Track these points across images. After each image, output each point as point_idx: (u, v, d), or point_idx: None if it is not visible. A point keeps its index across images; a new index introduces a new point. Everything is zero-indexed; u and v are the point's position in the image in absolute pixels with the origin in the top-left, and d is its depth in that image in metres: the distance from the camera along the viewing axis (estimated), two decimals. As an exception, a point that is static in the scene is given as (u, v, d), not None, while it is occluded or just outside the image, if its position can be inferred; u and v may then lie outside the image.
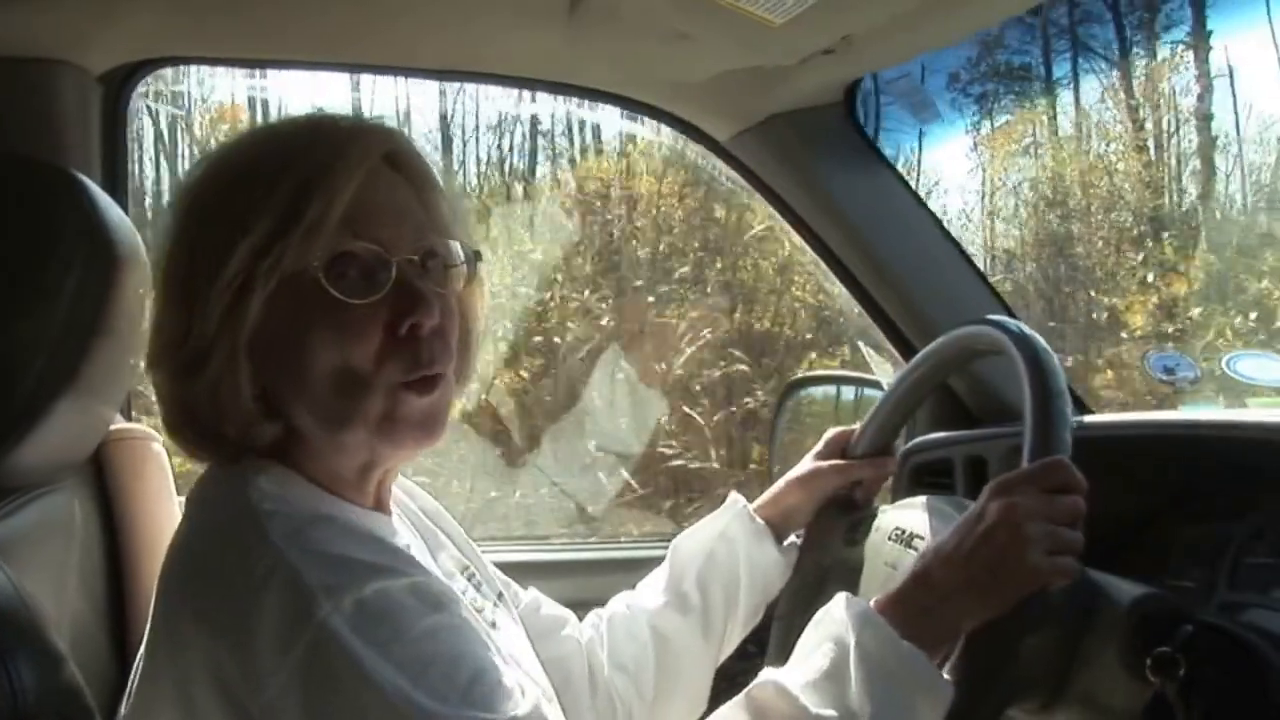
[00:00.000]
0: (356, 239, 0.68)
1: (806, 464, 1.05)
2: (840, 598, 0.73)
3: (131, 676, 0.71)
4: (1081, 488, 0.74)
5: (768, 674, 0.71)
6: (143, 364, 0.73)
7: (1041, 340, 0.84)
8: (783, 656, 0.75)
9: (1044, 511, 0.72)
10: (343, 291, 0.67)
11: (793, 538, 1.05)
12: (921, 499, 0.96)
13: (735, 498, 1.04)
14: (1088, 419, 1.14)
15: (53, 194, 0.81)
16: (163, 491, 1.00)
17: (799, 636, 0.75)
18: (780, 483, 1.05)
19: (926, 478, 1.21)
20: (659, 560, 1.04)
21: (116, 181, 1.16)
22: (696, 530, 1.03)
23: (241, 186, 0.68)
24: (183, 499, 0.98)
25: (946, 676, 0.70)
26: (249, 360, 0.68)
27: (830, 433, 1.06)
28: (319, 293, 0.67)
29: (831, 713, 0.66)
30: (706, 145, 1.34)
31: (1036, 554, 0.71)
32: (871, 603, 0.72)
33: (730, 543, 1.00)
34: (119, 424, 1.00)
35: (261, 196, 0.67)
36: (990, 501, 0.73)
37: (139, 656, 0.69)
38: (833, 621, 0.72)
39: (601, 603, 1.03)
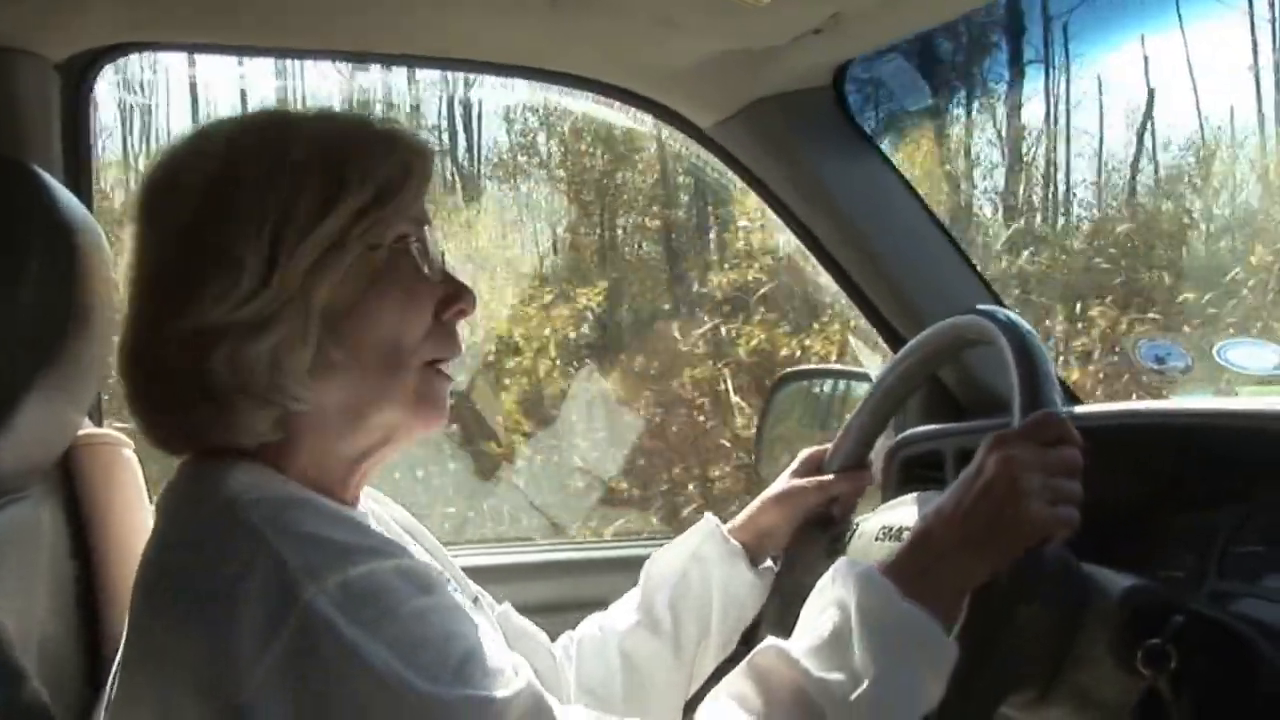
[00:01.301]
0: (421, 225, 0.75)
1: (782, 482, 1.06)
2: (841, 562, 0.74)
3: (109, 687, 0.70)
4: (1076, 440, 0.76)
5: (770, 641, 0.71)
6: (177, 322, 0.68)
7: (1029, 328, 0.85)
8: None
9: (1041, 463, 0.73)
10: (423, 264, 0.74)
11: (769, 561, 1.05)
12: (909, 496, 0.96)
13: (709, 518, 1.04)
14: (1077, 409, 1.14)
15: (11, 189, 0.79)
16: (135, 499, 0.99)
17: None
18: (756, 503, 1.06)
19: (917, 471, 1.22)
20: (641, 560, 1.04)
21: (79, 175, 1.14)
22: (669, 550, 1.03)
23: (351, 151, 0.72)
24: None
25: (952, 640, 0.71)
26: (319, 319, 0.70)
27: (805, 452, 1.07)
28: (399, 261, 0.73)
29: (836, 675, 0.67)
30: (689, 133, 1.34)
31: (1036, 505, 0.72)
32: (874, 565, 0.73)
33: (702, 564, 1.01)
34: (88, 428, 0.98)
35: (366, 166, 0.72)
36: (987, 457, 0.75)
37: (115, 667, 0.69)
38: (834, 586, 0.73)
39: (584, 604, 1.04)
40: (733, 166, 1.35)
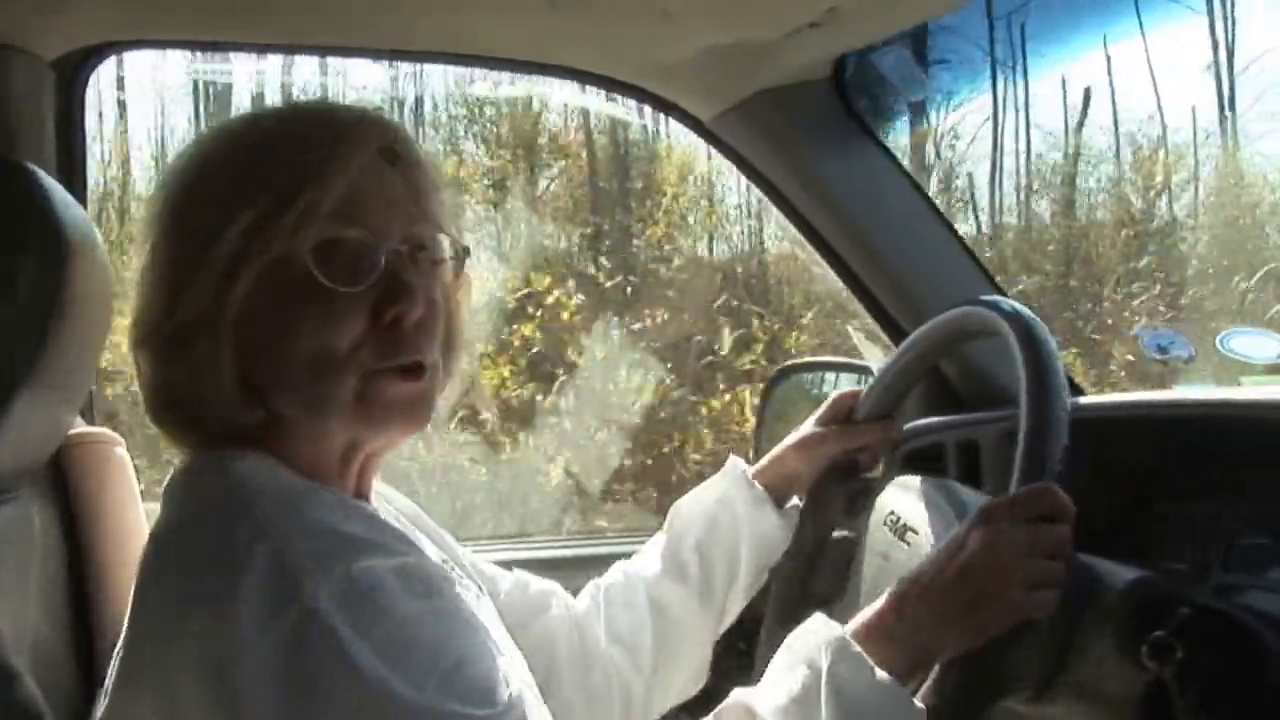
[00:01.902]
0: (347, 227, 0.70)
1: (808, 428, 1.05)
2: (815, 621, 0.75)
3: (107, 678, 0.70)
4: (1069, 516, 0.75)
5: (738, 695, 0.72)
6: (127, 343, 0.73)
7: (1034, 317, 0.84)
8: (779, 627, 0.75)
9: (1027, 544, 0.73)
10: (330, 278, 0.69)
11: (794, 500, 1.05)
12: (918, 481, 0.96)
13: (735, 462, 1.04)
14: (1082, 400, 1.14)
15: (5, 187, 0.78)
16: (127, 498, 0.99)
17: (797, 608, 0.75)
18: (780, 447, 1.05)
19: (918, 464, 1.21)
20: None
21: (73, 173, 1.14)
22: (695, 496, 1.03)
23: (236, 168, 0.70)
24: (149, 506, 0.96)
25: (920, 705, 0.71)
26: (232, 342, 0.69)
27: (834, 395, 1.06)
28: (306, 278, 0.68)
29: None
30: (689, 125, 1.33)
31: (1016, 590, 0.72)
32: (847, 629, 0.73)
33: (730, 509, 1.01)
34: (79, 428, 0.98)
35: (256, 179, 0.68)
36: (972, 532, 0.74)
37: (114, 659, 0.69)
38: (807, 645, 0.73)
39: None
40: (733, 159, 1.34)
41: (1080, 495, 0.75)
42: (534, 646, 0.91)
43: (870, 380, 1.07)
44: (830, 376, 1.54)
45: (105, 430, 1.01)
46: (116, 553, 0.94)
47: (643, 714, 0.97)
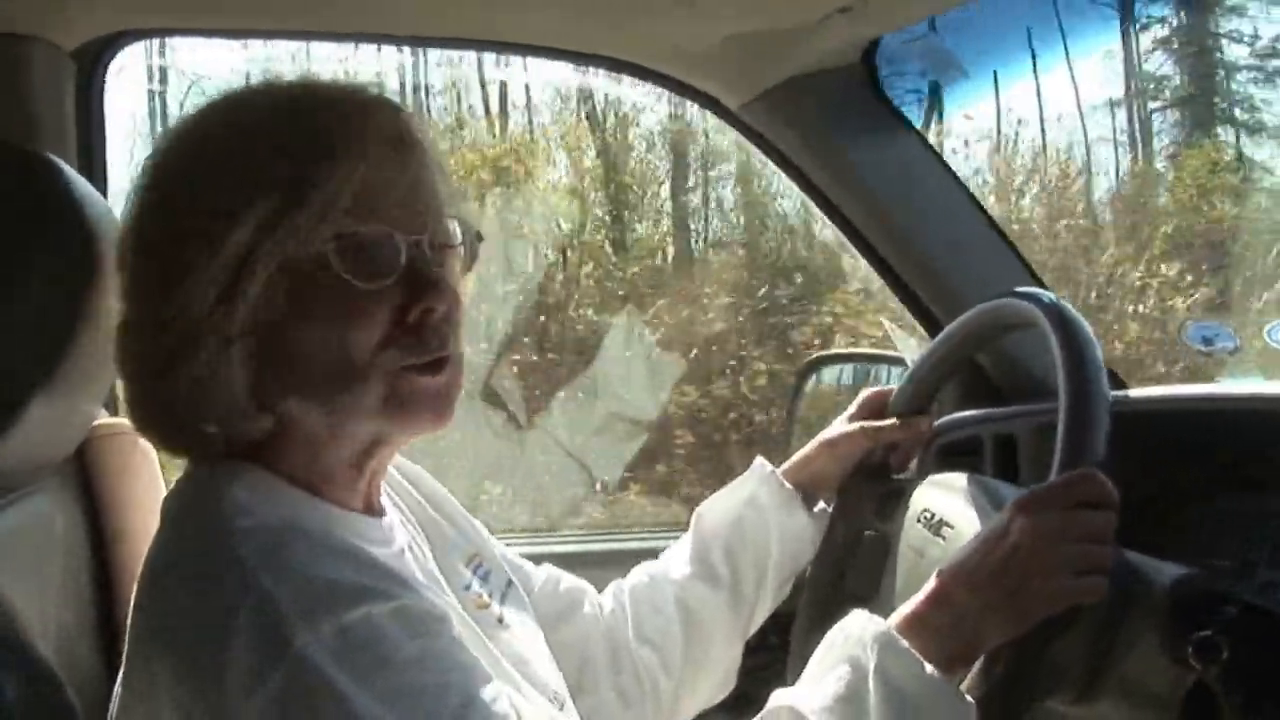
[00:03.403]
0: (365, 220, 0.66)
1: (838, 426, 1.04)
2: (856, 617, 0.74)
3: (113, 697, 0.69)
4: (1112, 501, 0.74)
5: (781, 697, 0.71)
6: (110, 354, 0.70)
7: (1075, 312, 0.83)
8: (809, 630, 0.74)
9: (1070, 531, 0.72)
10: (353, 275, 0.65)
11: (823, 503, 1.04)
12: (952, 478, 0.95)
13: (761, 462, 1.03)
14: (1125, 394, 1.12)
15: (24, 177, 0.79)
16: (151, 490, 1.00)
17: (829, 608, 0.73)
18: (810, 445, 1.04)
19: (954, 459, 1.19)
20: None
21: (93, 163, 1.15)
22: (722, 497, 1.02)
23: (241, 157, 0.65)
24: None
25: (969, 699, 0.70)
26: (243, 347, 0.66)
27: (865, 393, 1.05)
28: (325, 275, 0.65)
29: None
30: (718, 113, 1.33)
31: (1061, 576, 0.71)
32: (890, 623, 0.72)
33: (759, 510, 1.00)
34: (103, 419, 0.98)
35: (267, 167, 0.64)
36: (1015, 519, 0.73)
37: (120, 676, 0.68)
38: (849, 642, 0.72)
39: None
40: (763, 148, 1.33)
41: (1122, 491, 0.74)
42: (567, 644, 0.91)
43: (904, 374, 1.06)
44: (863, 369, 1.52)
45: (129, 422, 1.01)
46: (139, 544, 0.94)
47: (671, 716, 0.97)
